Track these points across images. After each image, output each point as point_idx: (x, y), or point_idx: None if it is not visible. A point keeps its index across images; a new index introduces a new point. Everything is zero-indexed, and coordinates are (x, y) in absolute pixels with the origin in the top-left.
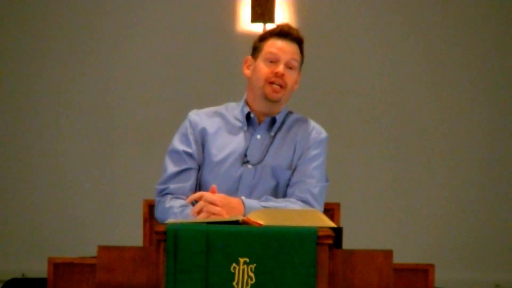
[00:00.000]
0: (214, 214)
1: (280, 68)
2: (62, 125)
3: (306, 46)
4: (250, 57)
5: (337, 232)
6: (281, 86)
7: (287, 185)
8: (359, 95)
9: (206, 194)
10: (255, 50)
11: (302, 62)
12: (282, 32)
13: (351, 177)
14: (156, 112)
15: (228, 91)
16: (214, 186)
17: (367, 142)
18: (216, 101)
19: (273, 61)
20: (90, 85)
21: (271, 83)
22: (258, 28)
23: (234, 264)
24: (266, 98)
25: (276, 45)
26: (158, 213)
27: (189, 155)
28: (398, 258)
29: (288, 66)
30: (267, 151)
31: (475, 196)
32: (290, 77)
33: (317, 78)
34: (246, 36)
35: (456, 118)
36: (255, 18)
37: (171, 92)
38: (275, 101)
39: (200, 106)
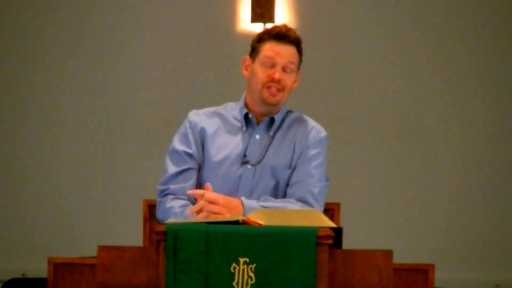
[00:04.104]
0: (215, 213)
1: (277, 73)
2: (61, 125)
3: (306, 46)
4: (248, 57)
5: (337, 232)
6: (278, 90)
7: (287, 185)
8: (359, 95)
9: (208, 194)
10: (253, 50)
11: (300, 61)
12: (279, 35)
13: (351, 177)
14: (156, 112)
15: (228, 91)
16: (208, 184)
17: (367, 142)
18: (216, 101)
19: (270, 65)
20: (90, 84)
21: (269, 87)
22: (258, 28)
23: (234, 264)
24: (264, 102)
25: (272, 49)
26: (159, 214)
27: (189, 155)
28: (398, 258)
29: (285, 70)
30: (266, 151)
31: (475, 196)
32: (288, 80)
33: (317, 78)
34: (246, 36)
35: (456, 119)
36: (255, 18)
37: (171, 92)
38: (273, 105)
39: (200, 106)
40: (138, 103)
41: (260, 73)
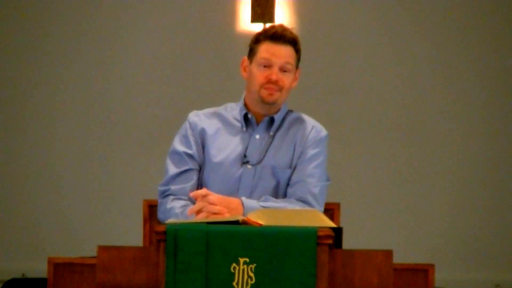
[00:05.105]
0: (215, 213)
1: (274, 74)
2: (61, 125)
3: (306, 46)
4: (246, 58)
5: (337, 232)
6: (276, 89)
7: (288, 185)
8: (359, 95)
9: (209, 196)
10: (250, 51)
11: (299, 59)
12: (275, 35)
13: (351, 177)
14: (156, 112)
15: (228, 91)
16: (205, 189)
17: (367, 142)
18: (216, 101)
19: (267, 65)
20: (90, 84)
21: (266, 88)
22: (258, 28)
23: (234, 264)
24: (263, 101)
25: (269, 50)
26: (160, 214)
27: (190, 156)
28: (398, 258)
29: (283, 70)
30: (266, 151)
31: (475, 196)
32: (285, 80)
33: (317, 78)
34: (246, 36)
35: (456, 119)
36: (255, 18)
37: (171, 92)
38: (271, 104)
39: (200, 106)
40: (138, 103)
41: (258, 74)
